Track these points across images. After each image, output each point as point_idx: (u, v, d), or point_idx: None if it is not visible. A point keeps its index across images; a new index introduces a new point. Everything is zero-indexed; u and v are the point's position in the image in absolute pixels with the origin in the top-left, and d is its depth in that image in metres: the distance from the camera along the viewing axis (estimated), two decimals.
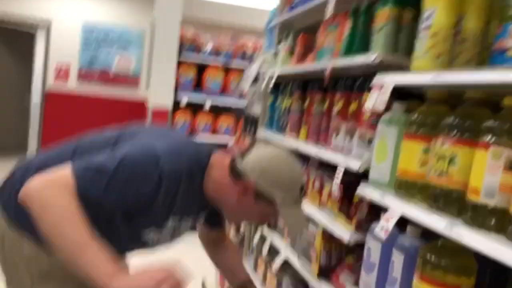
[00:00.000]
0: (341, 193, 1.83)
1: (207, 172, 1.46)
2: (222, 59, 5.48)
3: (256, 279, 2.76)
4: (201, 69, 5.47)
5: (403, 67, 1.50)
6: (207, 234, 1.79)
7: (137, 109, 6.93)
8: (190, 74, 5.42)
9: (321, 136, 2.13)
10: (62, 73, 7.12)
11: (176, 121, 5.45)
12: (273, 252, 2.63)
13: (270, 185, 1.39)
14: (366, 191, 1.54)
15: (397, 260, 1.37)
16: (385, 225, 1.36)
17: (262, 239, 2.74)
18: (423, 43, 1.34)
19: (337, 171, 1.78)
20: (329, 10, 2.02)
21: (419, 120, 1.33)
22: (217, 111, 5.55)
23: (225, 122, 5.62)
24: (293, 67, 2.52)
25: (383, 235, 1.37)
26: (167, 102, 5.34)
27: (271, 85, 2.79)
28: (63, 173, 1.29)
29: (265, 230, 2.64)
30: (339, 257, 1.90)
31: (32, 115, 7.32)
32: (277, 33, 3.06)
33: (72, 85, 7.16)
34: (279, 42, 2.95)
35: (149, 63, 5.60)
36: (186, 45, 5.37)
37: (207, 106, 5.41)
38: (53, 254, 1.31)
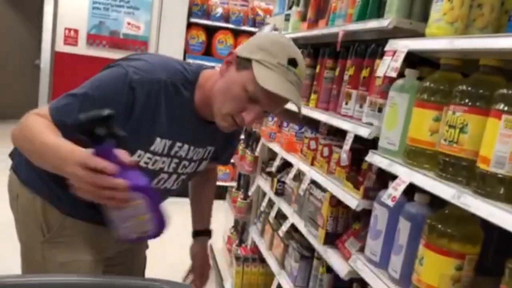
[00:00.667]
0: (350, 161, 1.83)
1: (197, 87, 1.39)
2: (233, 23, 5.40)
3: (263, 244, 2.80)
4: (210, 33, 5.41)
5: (418, 33, 1.46)
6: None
7: None
8: (199, 38, 5.36)
9: (331, 103, 2.11)
10: (71, 37, 7.08)
11: None
12: (280, 218, 2.65)
13: (252, 47, 1.33)
14: (375, 159, 1.54)
15: (404, 227, 1.38)
16: (393, 193, 1.36)
17: (270, 204, 2.77)
18: (438, 8, 1.30)
19: (347, 137, 1.77)
20: None
21: (431, 87, 1.31)
22: None
23: None
24: (304, 32, 2.48)
25: (390, 203, 1.37)
26: None
27: None
28: (42, 109, 1.29)
29: (273, 195, 2.66)
30: (346, 224, 1.91)
31: (42, 76, 7.33)
32: None
33: (82, 49, 7.12)
34: (290, 6, 2.89)
35: (158, 27, 5.54)
36: (196, 9, 5.30)
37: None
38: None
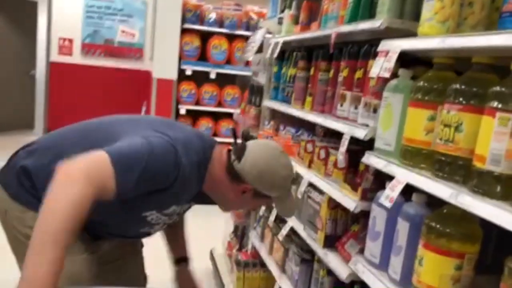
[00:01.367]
0: (347, 162, 1.82)
1: (208, 171, 1.54)
2: (227, 27, 5.41)
3: (263, 249, 2.79)
4: (205, 38, 5.42)
5: (410, 33, 1.46)
6: None
7: (142, 80, 6.88)
8: (194, 44, 5.36)
9: (326, 105, 2.10)
10: (66, 47, 7.07)
11: (181, 92, 5.43)
12: (280, 221, 2.64)
13: (267, 186, 1.53)
14: (372, 160, 1.53)
15: (402, 228, 1.37)
16: (390, 194, 1.35)
17: (269, 209, 2.76)
18: (429, 7, 1.30)
19: (343, 139, 1.76)
20: None
21: (424, 86, 1.30)
22: (222, 80, 5.52)
23: (230, 92, 5.59)
24: (298, 35, 2.48)
25: (388, 204, 1.36)
26: (172, 73, 5.31)
27: (275, 54, 2.75)
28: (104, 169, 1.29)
29: None
30: (345, 226, 1.90)
31: (37, 87, 7.32)
32: (280, 0, 2.99)
33: (76, 58, 7.11)
34: (283, 10, 2.89)
35: (153, 34, 5.55)
36: (189, 14, 5.30)
37: (212, 75, 5.38)
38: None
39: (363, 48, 1.79)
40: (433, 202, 1.30)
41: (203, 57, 5.44)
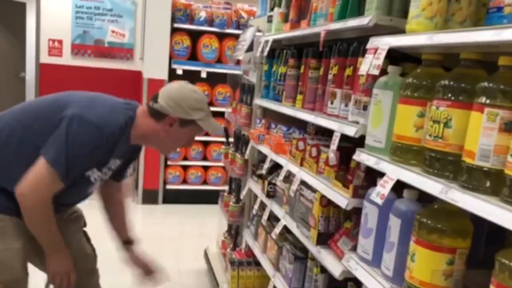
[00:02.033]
0: (338, 160, 1.82)
1: (134, 121, 1.81)
2: (217, 26, 5.39)
3: (257, 247, 2.79)
4: (195, 38, 5.40)
5: (399, 30, 1.46)
6: (107, 187, 2.09)
7: (133, 80, 6.85)
8: (184, 43, 5.34)
9: (317, 102, 2.10)
10: (56, 48, 7.02)
11: None
12: (273, 220, 2.64)
13: (187, 110, 1.80)
14: (362, 157, 1.53)
15: (394, 224, 1.38)
16: (381, 191, 1.35)
17: (262, 207, 2.76)
18: (417, 4, 1.30)
19: (333, 137, 1.76)
20: None
21: (413, 83, 1.31)
22: (213, 79, 5.50)
23: (222, 91, 5.58)
24: (287, 33, 2.48)
25: (379, 201, 1.36)
26: (162, 72, 5.29)
27: (265, 53, 2.75)
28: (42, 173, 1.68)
29: (264, 198, 2.66)
30: (337, 223, 1.91)
31: (27, 89, 7.26)
32: None
33: (66, 59, 7.06)
34: (272, 8, 2.89)
35: (143, 34, 5.52)
36: (179, 14, 5.28)
37: (203, 74, 5.36)
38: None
39: (352, 46, 1.79)
40: (425, 198, 1.31)
41: (193, 56, 5.42)
